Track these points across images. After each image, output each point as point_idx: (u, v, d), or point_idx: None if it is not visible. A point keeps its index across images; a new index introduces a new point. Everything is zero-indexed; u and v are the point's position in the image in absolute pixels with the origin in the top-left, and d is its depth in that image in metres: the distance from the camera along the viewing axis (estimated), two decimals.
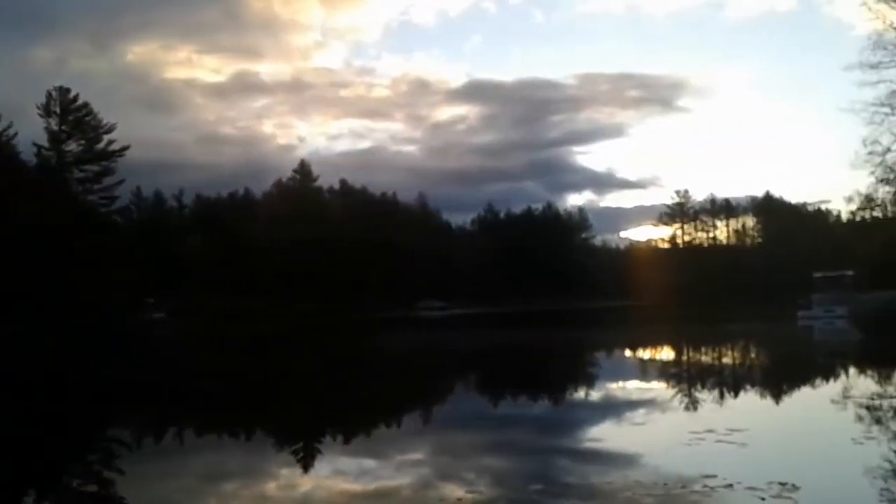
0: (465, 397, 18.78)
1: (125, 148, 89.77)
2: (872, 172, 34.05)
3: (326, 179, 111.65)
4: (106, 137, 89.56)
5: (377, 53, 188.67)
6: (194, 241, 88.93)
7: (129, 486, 9.35)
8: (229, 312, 58.62)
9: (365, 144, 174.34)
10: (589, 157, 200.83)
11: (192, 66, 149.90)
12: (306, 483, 9.36)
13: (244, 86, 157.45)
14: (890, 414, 12.63)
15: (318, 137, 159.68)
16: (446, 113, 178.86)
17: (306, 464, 10.65)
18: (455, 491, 8.25)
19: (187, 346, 44.43)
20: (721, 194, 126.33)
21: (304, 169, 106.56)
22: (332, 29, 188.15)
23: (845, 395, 15.35)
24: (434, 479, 9.09)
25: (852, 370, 21.08)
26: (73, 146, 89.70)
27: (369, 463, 10.31)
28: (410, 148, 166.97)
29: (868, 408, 13.14)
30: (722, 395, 16.88)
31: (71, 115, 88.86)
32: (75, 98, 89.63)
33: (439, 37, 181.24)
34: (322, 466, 10.31)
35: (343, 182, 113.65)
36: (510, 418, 14.61)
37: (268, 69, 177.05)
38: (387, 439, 12.48)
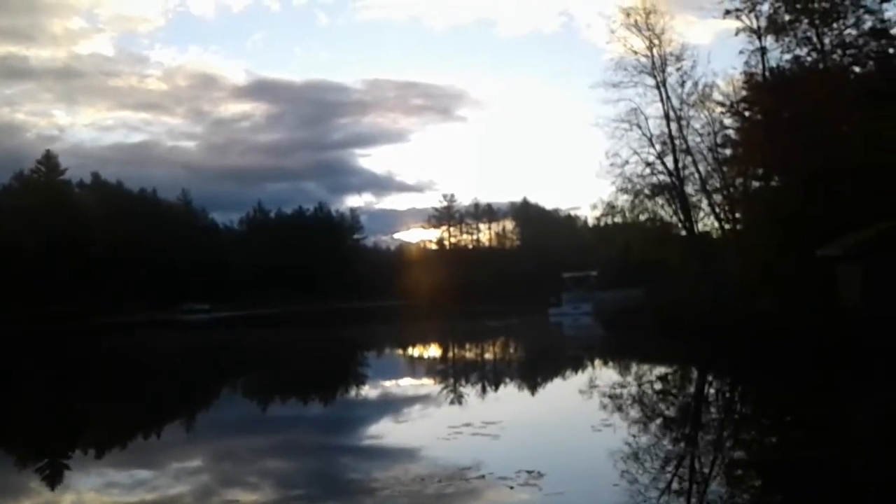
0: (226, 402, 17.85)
1: None
2: (613, 182, 37.96)
3: (82, 173, 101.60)
4: None
5: (151, 44, 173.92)
6: None
7: None
8: None
9: (139, 138, 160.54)
10: (370, 159, 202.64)
11: None
12: (70, 498, 8.46)
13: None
14: (628, 402, 13.84)
15: (85, 129, 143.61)
16: (230, 110, 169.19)
17: (70, 478, 9.57)
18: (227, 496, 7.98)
19: None
20: (487, 199, 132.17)
21: (49, 160, 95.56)
22: (102, 15, 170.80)
23: (591, 385, 16.64)
24: (209, 487, 8.47)
25: (597, 362, 23.00)
26: None
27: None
28: (189, 144, 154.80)
29: (610, 396, 14.30)
30: (481, 390, 17.58)
31: None
32: None
33: (219, 32, 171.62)
34: (90, 480, 9.38)
35: (95, 176, 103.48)
36: (267, 421, 14.13)
37: (30, 53, 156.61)
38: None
